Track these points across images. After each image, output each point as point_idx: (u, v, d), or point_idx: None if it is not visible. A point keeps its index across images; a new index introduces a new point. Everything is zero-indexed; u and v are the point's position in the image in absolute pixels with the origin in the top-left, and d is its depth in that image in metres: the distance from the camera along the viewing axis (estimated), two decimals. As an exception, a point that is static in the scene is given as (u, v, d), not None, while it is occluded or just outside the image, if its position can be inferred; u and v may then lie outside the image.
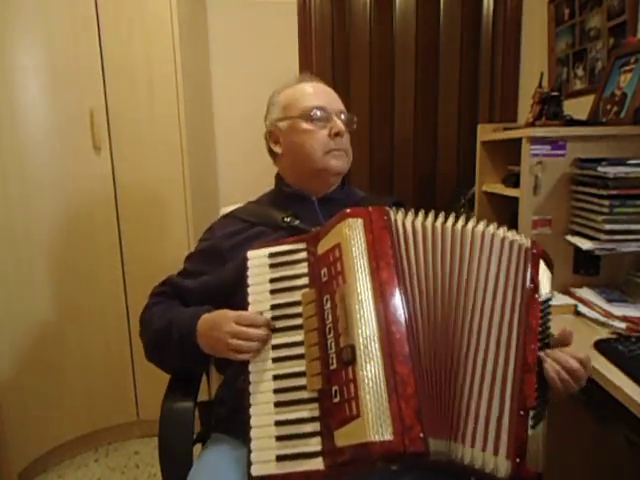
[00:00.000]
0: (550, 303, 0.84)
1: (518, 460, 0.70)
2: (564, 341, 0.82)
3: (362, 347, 0.70)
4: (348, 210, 0.81)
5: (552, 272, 0.87)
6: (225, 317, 0.84)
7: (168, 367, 1.00)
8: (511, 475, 0.70)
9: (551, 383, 0.77)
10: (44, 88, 1.65)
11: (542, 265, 0.85)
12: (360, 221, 0.79)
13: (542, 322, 0.80)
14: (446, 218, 0.84)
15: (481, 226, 0.84)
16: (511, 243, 0.83)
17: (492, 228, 0.84)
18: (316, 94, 1.04)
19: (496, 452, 0.71)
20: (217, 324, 0.85)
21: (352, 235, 0.78)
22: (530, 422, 0.73)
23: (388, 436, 0.65)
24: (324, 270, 0.78)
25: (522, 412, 0.73)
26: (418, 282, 0.78)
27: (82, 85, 1.70)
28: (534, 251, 0.84)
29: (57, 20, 1.63)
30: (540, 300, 0.81)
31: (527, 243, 0.84)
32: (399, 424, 0.66)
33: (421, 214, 0.84)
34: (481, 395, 0.73)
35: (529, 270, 0.82)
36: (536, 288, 0.81)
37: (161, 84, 1.75)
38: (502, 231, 0.84)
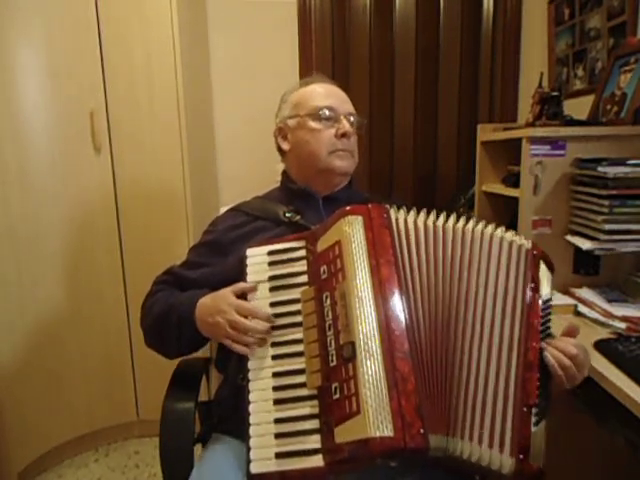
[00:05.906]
0: (550, 304, 0.85)
1: (522, 457, 0.70)
2: (570, 334, 0.82)
3: (362, 344, 0.70)
4: (348, 207, 0.81)
5: (552, 274, 0.88)
6: (226, 302, 0.83)
7: (167, 351, 1.00)
8: (515, 471, 0.70)
9: (552, 370, 0.77)
10: (44, 88, 1.64)
11: (542, 266, 0.85)
12: (360, 218, 0.79)
13: (543, 321, 0.81)
14: (447, 218, 0.84)
15: (480, 226, 0.84)
16: (510, 243, 0.83)
17: (490, 228, 0.84)
18: (327, 95, 1.06)
19: (501, 450, 0.71)
20: (218, 307, 0.84)
21: (352, 232, 0.78)
22: (533, 419, 0.73)
23: (388, 432, 0.65)
24: (323, 267, 0.79)
25: (525, 409, 0.73)
26: (419, 280, 0.78)
27: (82, 85, 1.70)
28: (535, 252, 0.84)
29: (57, 20, 1.63)
30: (541, 300, 0.81)
31: (528, 244, 0.85)
32: (399, 420, 0.66)
33: (422, 213, 0.84)
34: (486, 393, 0.74)
35: (530, 270, 0.82)
36: (537, 287, 0.81)
37: (161, 84, 1.75)
38: (500, 231, 0.84)
